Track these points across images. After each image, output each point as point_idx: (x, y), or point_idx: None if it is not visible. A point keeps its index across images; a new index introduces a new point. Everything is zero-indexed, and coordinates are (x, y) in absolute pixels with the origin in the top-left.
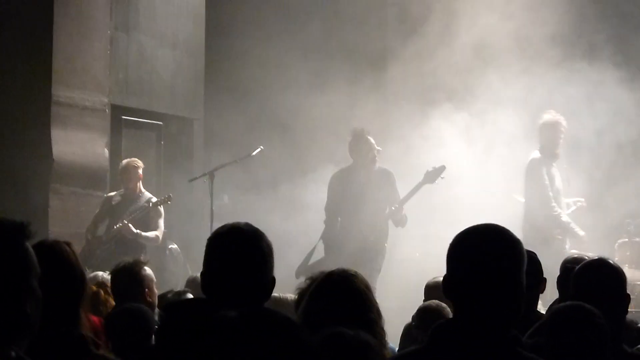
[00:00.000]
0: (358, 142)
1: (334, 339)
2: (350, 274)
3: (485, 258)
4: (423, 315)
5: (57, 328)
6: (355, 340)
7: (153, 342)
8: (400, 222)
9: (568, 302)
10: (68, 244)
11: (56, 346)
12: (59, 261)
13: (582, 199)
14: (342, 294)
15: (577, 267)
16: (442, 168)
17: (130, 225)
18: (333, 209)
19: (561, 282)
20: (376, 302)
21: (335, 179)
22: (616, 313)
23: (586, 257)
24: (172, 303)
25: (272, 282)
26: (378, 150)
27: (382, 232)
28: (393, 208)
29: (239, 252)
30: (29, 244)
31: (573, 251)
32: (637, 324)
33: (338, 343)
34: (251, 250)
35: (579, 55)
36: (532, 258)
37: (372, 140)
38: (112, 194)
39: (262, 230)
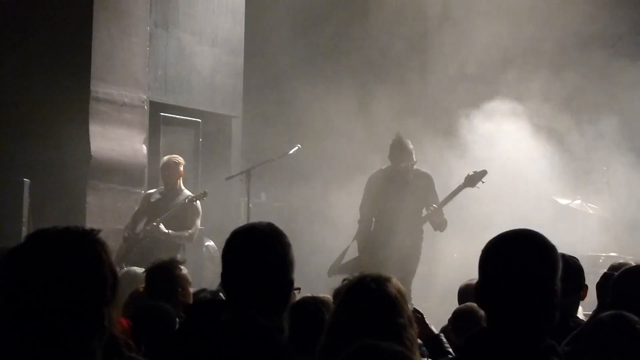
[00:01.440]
0: (399, 148)
1: (367, 350)
2: (383, 279)
3: (519, 264)
4: (457, 319)
5: None
6: (389, 352)
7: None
8: (440, 226)
9: (609, 312)
10: (102, 243)
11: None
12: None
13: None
14: (373, 298)
15: (617, 274)
16: (484, 172)
17: (161, 226)
18: (369, 210)
19: (599, 288)
20: (408, 309)
21: (374, 179)
22: None
23: (633, 263)
24: (191, 304)
25: (288, 283)
26: (415, 161)
27: (418, 235)
28: (431, 209)
29: (253, 252)
30: (100, 251)
31: (612, 254)
32: None
33: (372, 355)
34: (265, 250)
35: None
36: (571, 264)
37: (412, 148)
38: (152, 191)
39: (282, 231)
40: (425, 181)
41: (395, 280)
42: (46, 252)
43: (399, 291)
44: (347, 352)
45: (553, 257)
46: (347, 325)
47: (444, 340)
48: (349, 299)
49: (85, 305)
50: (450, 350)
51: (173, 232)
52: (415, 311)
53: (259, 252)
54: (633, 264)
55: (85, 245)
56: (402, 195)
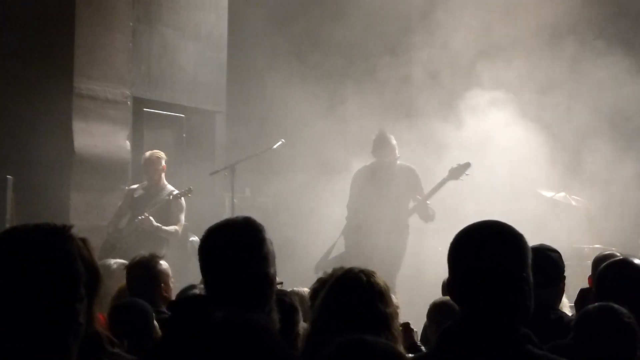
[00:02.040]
0: (382, 143)
1: (354, 346)
2: (368, 272)
3: (486, 255)
4: (434, 312)
5: None
6: (375, 345)
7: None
8: (429, 217)
9: (597, 303)
10: (83, 240)
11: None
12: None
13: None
14: (359, 291)
15: (601, 267)
16: (467, 165)
17: (151, 218)
18: (355, 205)
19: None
20: (392, 302)
21: (358, 175)
22: (639, 314)
23: (617, 255)
24: (176, 301)
25: (268, 277)
26: (398, 157)
27: (404, 229)
28: (415, 202)
29: (228, 248)
30: (72, 248)
31: (596, 245)
32: None
33: (359, 351)
34: (240, 246)
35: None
36: (549, 256)
37: (395, 144)
38: (135, 186)
39: (259, 225)
40: (410, 174)
41: (379, 274)
42: (16, 249)
43: (384, 283)
44: (331, 348)
45: (521, 246)
46: (335, 316)
47: (422, 348)
48: (338, 291)
49: (58, 302)
50: (417, 339)
51: (162, 226)
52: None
53: (234, 248)
54: (619, 255)
55: (55, 242)
56: (387, 189)
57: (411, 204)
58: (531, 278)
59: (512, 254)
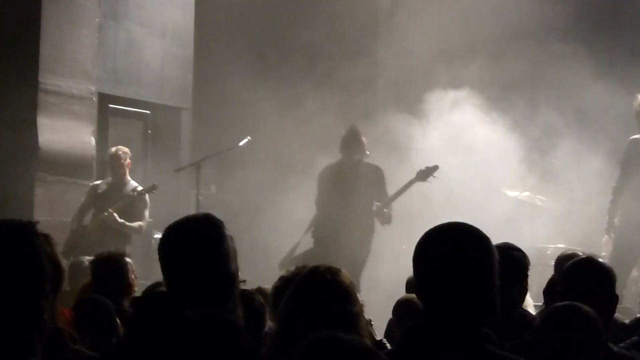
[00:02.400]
0: (351, 140)
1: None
2: (333, 270)
3: (453, 257)
4: (399, 310)
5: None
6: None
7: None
8: (386, 220)
9: (562, 302)
10: (46, 235)
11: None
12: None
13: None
14: (325, 289)
15: (567, 265)
16: (435, 167)
17: (115, 214)
18: (322, 203)
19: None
20: (358, 300)
21: (325, 174)
22: (603, 312)
23: (579, 254)
24: (139, 298)
25: (229, 273)
26: (367, 154)
27: (368, 227)
28: (379, 204)
29: (187, 245)
30: (38, 244)
31: (560, 245)
32: (622, 320)
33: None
34: (200, 243)
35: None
36: (512, 255)
37: (365, 141)
38: (98, 182)
39: (219, 221)
40: (376, 174)
41: (345, 272)
42: None
43: (350, 282)
44: (303, 346)
45: (486, 248)
46: (301, 315)
47: (387, 345)
48: (303, 290)
49: (23, 299)
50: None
51: (126, 222)
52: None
53: (193, 245)
54: (581, 254)
55: (20, 238)
56: (353, 188)
57: (375, 204)
58: (497, 280)
59: (477, 257)
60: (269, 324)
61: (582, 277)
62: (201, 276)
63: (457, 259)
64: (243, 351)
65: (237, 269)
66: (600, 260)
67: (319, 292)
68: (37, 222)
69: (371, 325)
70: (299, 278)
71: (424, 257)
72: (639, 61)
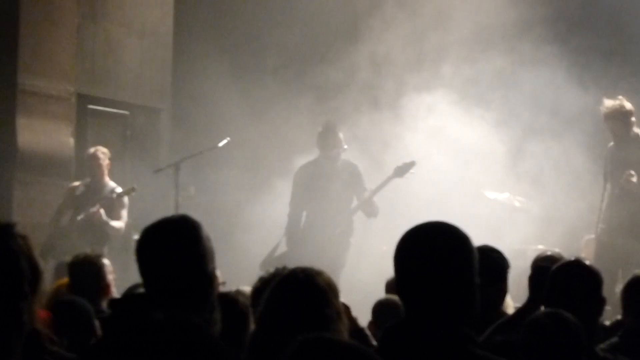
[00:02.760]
0: (328, 135)
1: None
2: (313, 271)
3: (433, 257)
4: (378, 311)
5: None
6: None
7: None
8: (372, 213)
9: (546, 310)
10: (23, 237)
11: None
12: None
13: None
14: (302, 290)
15: (554, 268)
16: (412, 163)
17: (102, 211)
18: (298, 203)
19: (533, 281)
20: (338, 303)
21: (301, 172)
22: (590, 316)
23: (556, 256)
24: (117, 299)
25: (207, 275)
26: (345, 148)
27: (347, 226)
28: (359, 199)
29: (164, 247)
30: (17, 246)
31: (540, 247)
32: (602, 322)
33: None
34: (177, 244)
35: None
36: (489, 256)
37: (342, 137)
38: (77, 183)
39: (196, 222)
40: (352, 170)
41: (326, 274)
42: None
43: (329, 284)
44: (293, 347)
45: (467, 247)
46: (279, 317)
47: (369, 334)
48: (281, 292)
49: (2, 301)
50: (375, 344)
51: (110, 221)
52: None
53: (170, 246)
54: (557, 256)
55: None
56: (330, 186)
57: (355, 201)
58: (477, 279)
59: (457, 256)
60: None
61: (569, 280)
62: (178, 278)
63: (437, 257)
64: (209, 354)
65: (214, 270)
66: (587, 262)
67: (296, 294)
68: (15, 224)
69: (353, 316)
70: (277, 280)
71: (403, 256)
72: (614, 62)
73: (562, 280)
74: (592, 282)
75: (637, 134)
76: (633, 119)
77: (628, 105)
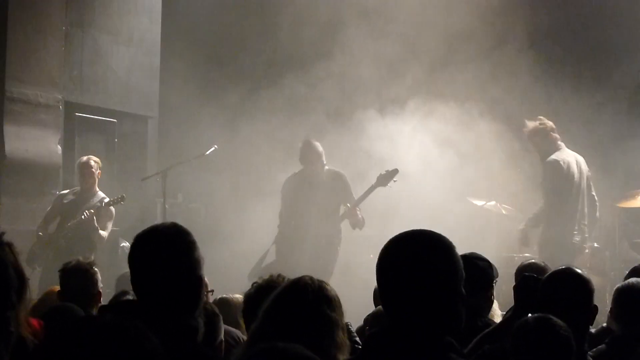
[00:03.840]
0: (308, 150)
1: (267, 353)
2: (322, 280)
3: (416, 263)
4: (377, 319)
5: None
6: (288, 353)
7: None
8: (358, 224)
9: (535, 315)
10: (9, 244)
11: None
12: None
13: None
14: (313, 293)
15: (545, 276)
16: (395, 171)
17: (95, 218)
18: (286, 213)
19: (518, 290)
20: (340, 311)
21: (288, 184)
22: (582, 324)
23: (541, 264)
24: (106, 306)
25: (197, 281)
26: (324, 163)
27: (334, 235)
28: (345, 209)
29: (157, 254)
30: (4, 255)
31: (526, 254)
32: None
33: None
34: (169, 251)
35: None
36: (476, 264)
37: (321, 149)
38: (65, 192)
39: (186, 229)
40: (338, 179)
41: (330, 287)
42: None
43: (334, 292)
44: (248, 353)
45: (451, 256)
46: (278, 324)
47: (352, 328)
48: (285, 301)
49: None
50: (357, 339)
51: (99, 229)
52: None
53: (163, 253)
54: (541, 264)
55: None
56: (317, 196)
57: (342, 210)
58: (462, 289)
59: (441, 264)
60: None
61: (561, 288)
62: (170, 284)
63: (420, 265)
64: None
65: (203, 277)
66: (579, 271)
67: (302, 296)
68: (3, 233)
69: (351, 331)
70: (282, 287)
71: (387, 264)
72: (589, 66)
73: (553, 288)
74: (583, 291)
75: (557, 149)
76: (555, 135)
77: (549, 124)
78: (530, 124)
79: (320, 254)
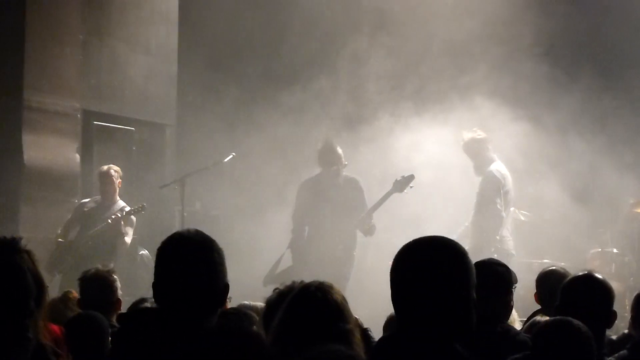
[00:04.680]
0: (327, 152)
1: (327, 356)
2: (327, 286)
3: (428, 269)
4: (391, 324)
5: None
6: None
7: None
8: (369, 231)
9: (555, 317)
10: (28, 252)
11: (15, 355)
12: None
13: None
14: (319, 306)
15: (566, 281)
16: (411, 177)
17: (122, 222)
18: (301, 218)
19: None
20: (351, 316)
21: (303, 188)
22: (600, 329)
23: (561, 270)
24: (125, 313)
25: (224, 288)
26: (345, 164)
27: (350, 241)
28: (363, 215)
29: (188, 260)
30: (23, 262)
31: (545, 260)
32: (609, 336)
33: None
34: (200, 258)
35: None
36: (495, 270)
37: (341, 152)
38: (86, 200)
39: (212, 238)
40: (355, 186)
41: (337, 287)
42: None
43: (343, 297)
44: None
45: (464, 262)
46: (292, 333)
47: (372, 334)
48: (294, 308)
49: (7, 317)
50: None
51: (124, 235)
52: None
53: (194, 260)
54: (561, 270)
55: (5, 256)
56: (332, 201)
57: (357, 217)
58: (474, 295)
59: (453, 270)
60: None
61: (581, 293)
62: (195, 291)
63: (432, 271)
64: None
65: (227, 286)
66: (598, 276)
67: (310, 309)
68: (20, 238)
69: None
70: (292, 295)
71: (399, 269)
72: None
73: (573, 292)
74: (603, 295)
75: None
76: (490, 146)
77: (485, 135)
78: (467, 135)
79: (337, 259)
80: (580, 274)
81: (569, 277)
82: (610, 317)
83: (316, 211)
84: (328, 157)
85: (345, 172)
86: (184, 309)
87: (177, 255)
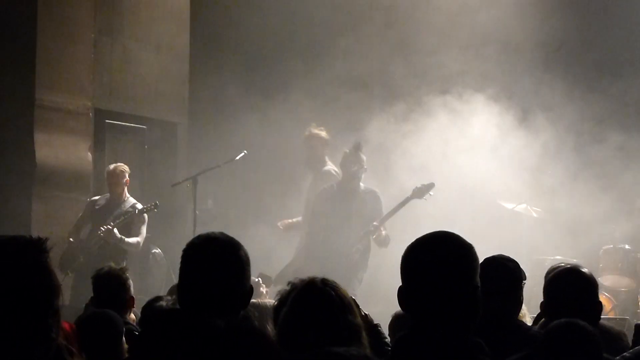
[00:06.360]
0: (350, 157)
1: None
2: (332, 281)
3: (438, 266)
4: (396, 322)
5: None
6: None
7: (122, 347)
8: (383, 242)
9: (563, 320)
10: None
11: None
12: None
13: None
14: (325, 301)
15: (549, 277)
16: (432, 185)
17: (115, 230)
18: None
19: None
20: (360, 309)
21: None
22: (587, 320)
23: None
24: (148, 314)
25: (249, 291)
26: (365, 169)
27: (364, 245)
28: (375, 223)
29: (216, 263)
30: (48, 261)
31: (557, 257)
32: (623, 333)
33: None
34: (228, 260)
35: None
36: (505, 265)
37: (364, 158)
38: (96, 198)
39: (237, 239)
40: (375, 199)
41: (341, 286)
42: None
43: (350, 295)
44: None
45: (471, 256)
46: (298, 330)
47: (382, 330)
48: (300, 303)
49: (32, 317)
50: (388, 340)
51: (125, 238)
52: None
53: (220, 262)
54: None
55: (32, 256)
56: (350, 212)
57: (372, 225)
58: (479, 283)
59: (462, 264)
60: None
61: (564, 287)
62: (220, 293)
63: (442, 266)
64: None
65: (250, 288)
66: (581, 269)
67: (315, 305)
68: (46, 239)
69: (379, 329)
70: (298, 289)
71: (409, 265)
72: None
73: (555, 287)
74: (585, 287)
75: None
76: (327, 150)
77: (327, 136)
78: (315, 130)
79: (350, 262)
80: (561, 269)
81: (552, 273)
82: (595, 308)
83: (334, 220)
84: (351, 162)
85: (364, 184)
86: (209, 310)
87: (204, 257)
